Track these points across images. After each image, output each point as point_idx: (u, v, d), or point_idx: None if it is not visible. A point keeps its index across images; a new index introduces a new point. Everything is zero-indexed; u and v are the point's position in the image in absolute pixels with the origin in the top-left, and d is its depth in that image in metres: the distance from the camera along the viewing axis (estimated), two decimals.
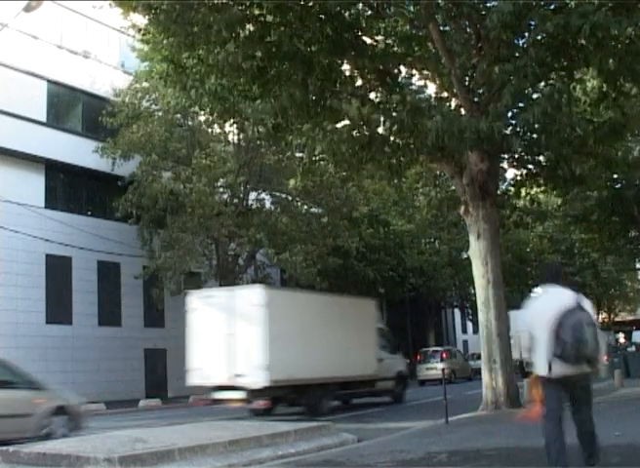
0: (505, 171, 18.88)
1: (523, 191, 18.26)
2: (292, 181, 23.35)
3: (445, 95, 16.13)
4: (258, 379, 14.58)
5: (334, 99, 13.31)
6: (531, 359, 6.10)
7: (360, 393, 18.41)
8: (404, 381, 20.45)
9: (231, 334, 15.09)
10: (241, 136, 26.74)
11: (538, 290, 6.35)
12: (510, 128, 14.53)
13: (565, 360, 5.68)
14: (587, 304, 5.95)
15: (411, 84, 16.58)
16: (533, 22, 11.88)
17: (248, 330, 14.95)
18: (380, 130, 14.31)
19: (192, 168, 25.50)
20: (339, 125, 14.47)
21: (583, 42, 11.32)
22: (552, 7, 11.87)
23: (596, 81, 14.80)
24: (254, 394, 14.78)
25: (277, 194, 28.61)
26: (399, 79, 15.26)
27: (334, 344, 16.69)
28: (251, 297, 15.28)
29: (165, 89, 20.94)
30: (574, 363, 5.69)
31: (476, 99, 14.16)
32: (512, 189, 17.90)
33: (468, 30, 13.94)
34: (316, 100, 13.49)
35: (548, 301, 5.98)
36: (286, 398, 15.92)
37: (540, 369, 5.87)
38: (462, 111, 14.18)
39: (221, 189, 27.09)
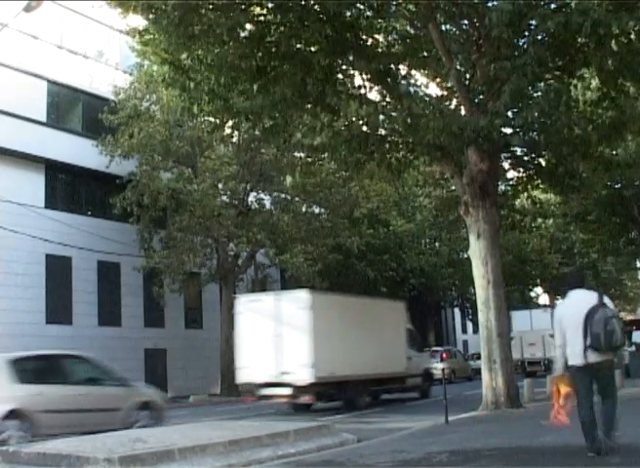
0: (506, 171, 18.88)
1: (524, 192, 18.26)
2: (288, 179, 23.35)
3: (445, 94, 16.14)
4: (304, 377, 15.80)
5: (333, 98, 13.29)
6: (561, 355, 7.12)
7: (392, 389, 19.51)
8: (430, 378, 21.61)
9: (278, 335, 16.30)
10: (241, 137, 26.72)
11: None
12: (510, 127, 14.55)
13: (597, 349, 6.79)
14: (609, 301, 7.02)
15: (410, 84, 16.56)
16: (533, 22, 11.87)
17: (294, 330, 16.16)
18: (380, 130, 14.32)
19: (194, 169, 25.50)
20: (338, 124, 14.46)
21: (584, 41, 11.33)
22: (553, 6, 11.87)
23: (596, 81, 14.79)
24: (300, 390, 15.96)
25: (277, 194, 28.61)
26: (399, 79, 15.25)
27: (369, 343, 17.77)
28: (297, 301, 16.56)
29: (165, 90, 20.98)
30: (604, 351, 6.82)
31: (476, 99, 14.16)
32: (512, 190, 17.90)
33: (468, 30, 13.94)
34: (315, 97, 13.49)
35: (575, 303, 7.05)
36: (327, 394, 16.98)
37: (575, 359, 6.91)
38: (463, 110, 14.19)
39: (222, 191, 27.08)
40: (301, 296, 16.73)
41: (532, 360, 32.03)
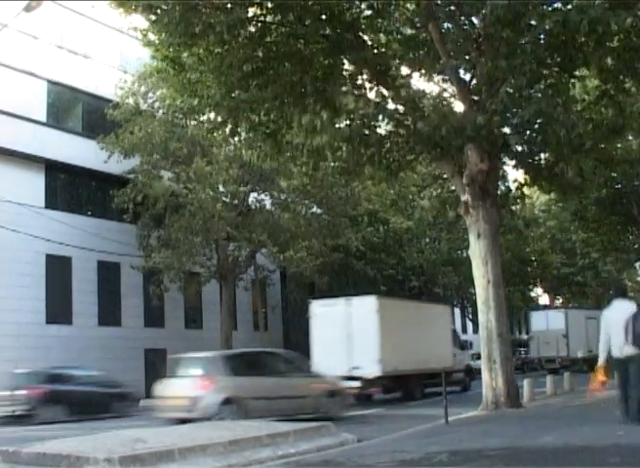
0: (506, 175, 18.87)
1: (524, 192, 18.23)
2: (289, 181, 23.41)
3: (445, 94, 16.14)
4: (372, 371, 18.09)
5: (333, 89, 13.27)
6: (603, 350, 9.40)
7: (441, 383, 20.69)
8: (470, 373, 23.99)
9: (349, 335, 18.63)
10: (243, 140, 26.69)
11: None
12: (509, 126, 14.55)
13: (634, 344, 8.90)
14: None
15: (410, 84, 16.56)
16: (533, 22, 11.88)
17: (363, 330, 18.45)
18: (379, 130, 14.30)
19: (194, 172, 25.48)
20: (338, 123, 14.44)
21: (583, 39, 11.33)
22: (552, 6, 11.88)
23: (596, 80, 14.80)
24: (368, 383, 18.26)
25: (277, 194, 28.59)
26: (399, 78, 15.25)
27: (423, 342, 20.15)
28: (366, 305, 18.96)
29: (166, 88, 20.92)
30: (638, 346, 8.90)
31: (476, 98, 14.16)
32: (513, 190, 17.87)
33: (468, 29, 13.94)
34: (314, 94, 13.48)
35: (619, 309, 9.34)
36: (391, 386, 19.05)
37: (616, 352, 9.24)
38: (462, 110, 14.18)
39: (223, 193, 27.06)
40: (370, 301, 19.12)
41: (548, 358, 33.69)
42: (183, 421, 11.86)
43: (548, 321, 34.28)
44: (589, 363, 29.60)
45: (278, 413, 12.67)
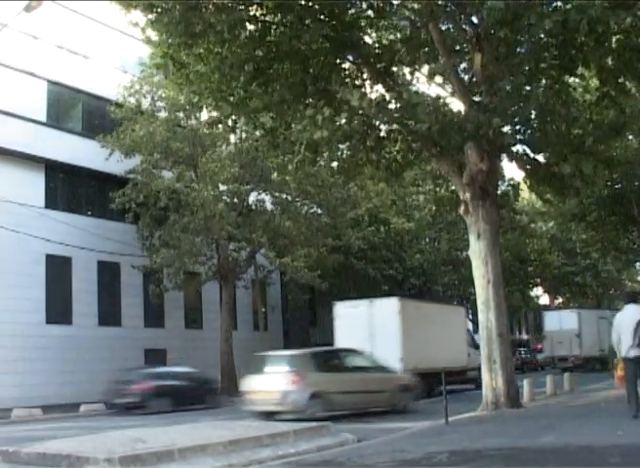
0: (504, 174, 18.88)
1: (524, 192, 18.26)
2: (288, 179, 23.39)
3: (445, 94, 16.13)
4: (395, 369, 18.15)
5: (335, 85, 13.27)
6: (617, 349, 10.59)
7: (457, 380, 21.80)
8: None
9: (372, 334, 19.43)
10: (241, 137, 26.71)
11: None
12: (509, 126, 14.54)
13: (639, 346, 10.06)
14: None
15: (410, 83, 16.56)
16: (531, 22, 11.87)
17: (386, 330, 19.41)
18: (380, 126, 14.29)
19: (197, 170, 25.48)
20: (338, 121, 14.44)
21: (583, 39, 11.33)
22: (551, 5, 11.87)
23: (596, 80, 14.79)
24: None
25: (277, 194, 28.61)
26: (399, 78, 15.25)
27: (441, 342, 21.05)
28: (388, 306, 20.04)
29: (166, 83, 20.89)
30: None
31: (475, 97, 14.16)
32: (513, 190, 17.88)
33: (467, 29, 13.94)
34: (315, 90, 13.48)
35: (630, 314, 10.43)
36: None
37: (624, 352, 10.32)
38: (462, 109, 14.17)
39: (224, 193, 27.08)
40: (392, 303, 20.32)
41: (561, 357, 34.59)
42: (272, 414, 14.00)
43: (561, 321, 35.05)
44: (601, 361, 30.01)
45: (356, 407, 13.76)
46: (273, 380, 14.63)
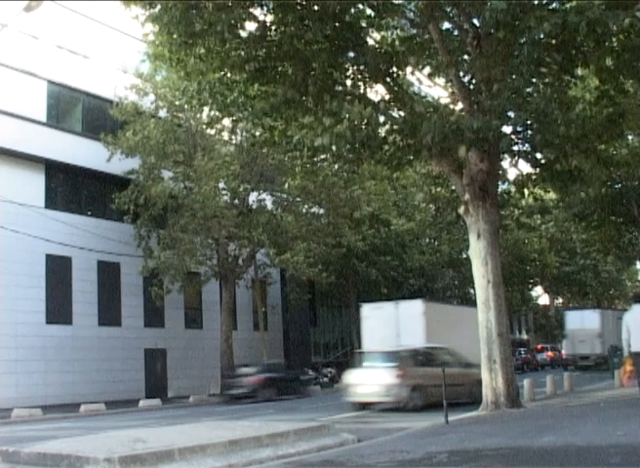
0: (506, 173, 18.87)
1: (525, 190, 18.24)
2: (290, 181, 23.37)
3: (445, 94, 16.14)
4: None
5: (333, 102, 13.28)
6: (626, 345, 11.87)
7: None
8: None
9: (397, 334, 20.61)
10: (242, 137, 26.73)
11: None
12: (509, 127, 14.54)
13: None
14: None
15: (411, 83, 16.57)
16: (532, 24, 11.87)
17: (410, 330, 20.35)
18: (381, 130, 14.30)
19: (194, 169, 25.47)
20: (339, 127, 14.44)
21: (582, 40, 11.32)
22: (550, 7, 11.87)
23: (595, 80, 14.79)
24: None
25: (278, 194, 28.62)
26: (399, 78, 15.24)
27: (462, 341, 21.15)
28: (413, 308, 21.12)
29: (166, 87, 20.92)
30: None
31: (475, 98, 14.15)
32: (514, 188, 17.88)
33: (467, 29, 13.94)
34: (315, 101, 13.49)
35: (637, 313, 11.83)
36: None
37: (634, 347, 11.58)
38: (462, 110, 14.18)
39: (224, 191, 27.08)
40: (417, 304, 21.53)
41: (583, 355, 35.09)
42: (369, 404, 16.15)
43: (583, 320, 35.80)
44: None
45: (446, 399, 14.00)
46: (378, 374, 16.25)
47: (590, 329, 34.62)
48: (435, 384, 15.25)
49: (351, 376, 17.26)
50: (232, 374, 24.67)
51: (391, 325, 20.97)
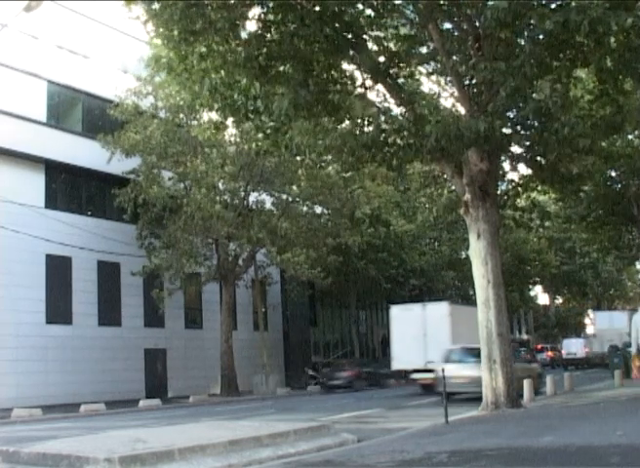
0: (506, 173, 18.89)
1: (524, 193, 18.25)
2: (295, 188, 23.42)
3: (445, 94, 16.15)
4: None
5: (336, 95, 13.27)
6: (635, 344, 13.84)
7: None
8: None
9: (424, 334, 22.00)
10: (242, 138, 26.71)
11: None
12: (510, 127, 14.53)
13: None
14: None
15: (411, 84, 16.56)
16: (532, 22, 11.86)
17: (437, 330, 21.67)
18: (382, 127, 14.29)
19: (188, 172, 25.48)
20: (340, 125, 14.45)
21: (583, 41, 11.31)
22: (552, 6, 11.86)
23: (595, 80, 14.79)
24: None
25: (277, 195, 28.62)
26: (400, 79, 15.25)
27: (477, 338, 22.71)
28: (439, 310, 22.61)
29: (168, 87, 20.86)
30: None
31: (476, 99, 14.15)
32: (512, 190, 17.88)
33: (467, 30, 13.93)
34: (317, 99, 13.47)
35: None
36: None
37: None
38: (462, 110, 14.18)
39: (223, 192, 27.06)
40: (443, 306, 23.03)
41: None
42: (453, 394, 16.60)
43: (612, 320, 38.12)
44: None
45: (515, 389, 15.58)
46: (465, 368, 17.82)
47: (619, 328, 36.16)
48: (517, 376, 17.83)
49: (440, 370, 17.89)
50: (331, 368, 29.82)
51: (419, 325, 22.40)
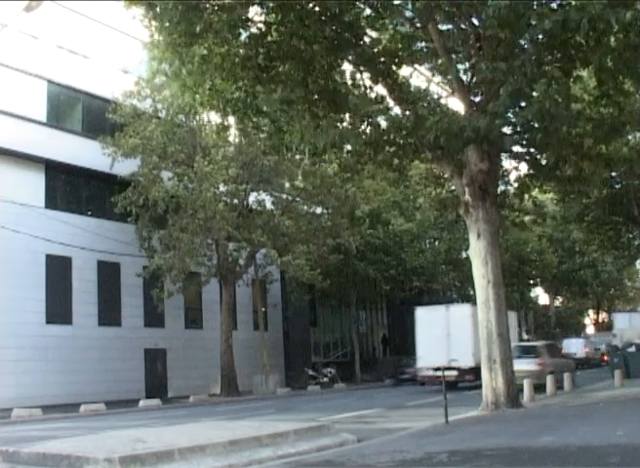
0: (507, 173, 18.89)
1: (525, 193, 18.25)
2: (290, 182, 23.35)
3: (445, 94, 16.15)
4: (467, 362, 22.15)
5: (336, 92, 13.26)
6: None
7: None
8: None
9: (448, 334, 22.80)
10: (242, 138, 26.70)
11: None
12: (510, 127, 14.53)
13: None
14: None
15: (411, 84, 16.56)
16: (533, 22, 11.85)
17: (459, 330, 22.68)
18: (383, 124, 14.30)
19: (194, 172, 25.48)
20: (340, 124, 14.44)
21: (583, 41, 11.31)
22: (553, 5, 11.86)
23: (594, 80, 14.78)
24: (464, 372, 23.05)
25: (277, 194, 28.61)
26: (399, 79, 15.25)
27: None
28: (462, 311, 23.82)
29: (168, 88, 20.81)
30: None
31: (476, 99, 14.16)
32: (513, 189, 17.89)
33: (467, 30, 13.93)
34: (318, 97, 13.48)
35: None
36: (479, 374, 21.73)
37: None
38: (462, 110, 14.18)
39: (223, 193, 27.05)
40: (465, 308, 24.15)
41: None
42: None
43: (631, 321, 40.01)
44: None
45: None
46: (523, 363, 19.77)
47: (637, 328, 38.12)
48: (557, 370, 20.90)
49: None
50: (401, 364, 32.30)
51: (442, 325, 23.37)
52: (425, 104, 15.28)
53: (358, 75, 14.65)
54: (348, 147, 14.21)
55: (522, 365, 20.36)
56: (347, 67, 14.76)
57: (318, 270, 28.50)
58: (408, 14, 14.37)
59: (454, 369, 22.41)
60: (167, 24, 12.54)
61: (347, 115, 14.39)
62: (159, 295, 26.47)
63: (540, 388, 19.60)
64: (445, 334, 22.96)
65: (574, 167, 14.86)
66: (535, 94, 12.10)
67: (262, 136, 14.95)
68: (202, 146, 26.50)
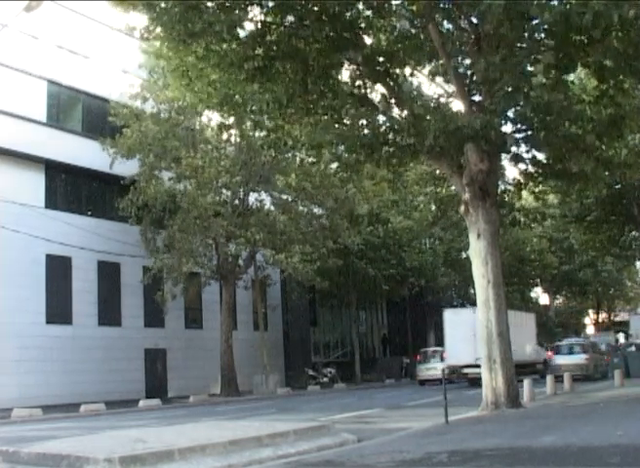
0: (504, 172, 18.88)
1: (525, 191, 18.24)
2: (288, 179, 23.33)
3: (445, 94, 16.14)
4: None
5: (334, 100, 13.28)
6: None
7: (529, 371, 27.24)
8: (546, 364, 30.91)
9: (474, 335, 22.80)
10: (241, 137, 26.70)
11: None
12: (510, 126, 14.53)
13: None
14: None
15: (411, 84, 16.56)
16: (532, 19, 11.84)
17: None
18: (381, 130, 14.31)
19: (184, 168, 25.47)
20: (340, 127, 14.45)
21: (582, 37, 11.28)
22: (554, 3, 11.84)
23: (594, 81, 14.78)
24: None
25: (277, 194, 28.60)
26: (399, 79, 15.24)
27: (521, 340, 26.28)
28: None
29: (169, 82, 20.80)
30: None
31: (475, 98, 14.15)
32: (512, 189, 17.87)
33: (467, 28, 13.93)
34: (317, 99, 13.49)
35: None
36: None
37: None
38: (462, 110, 14.18)
39: (220, 189, 27.04)
40: None
41: None
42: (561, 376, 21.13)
43: None
44: None
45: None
46: (578, 357, 24.97)
47: None
48: (596, 364, 25.84)
49: (556, 360, 27.32)
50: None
51: (469, 326, 24.21)
52: (423, 104, 15.26)
53: (357, 75, 14.65)
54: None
55: (574, 359, 25.40)
56: (347, 67, 14.76)
57: (314, 266, 28.35)
58: (407, 14, 14.36)
59: (479, 366, 23.13)
60: (165, 24, 12.54)
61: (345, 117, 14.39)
62: (164, 299, 26.43)
63: (584, 380, 23.70)
64: (471, 335, 23.46)
65: (575, 164, 14.83)
66: (533, 94, 12.11)
67: (262, 133, 14.95)
68: (195, 143, 26.45)
